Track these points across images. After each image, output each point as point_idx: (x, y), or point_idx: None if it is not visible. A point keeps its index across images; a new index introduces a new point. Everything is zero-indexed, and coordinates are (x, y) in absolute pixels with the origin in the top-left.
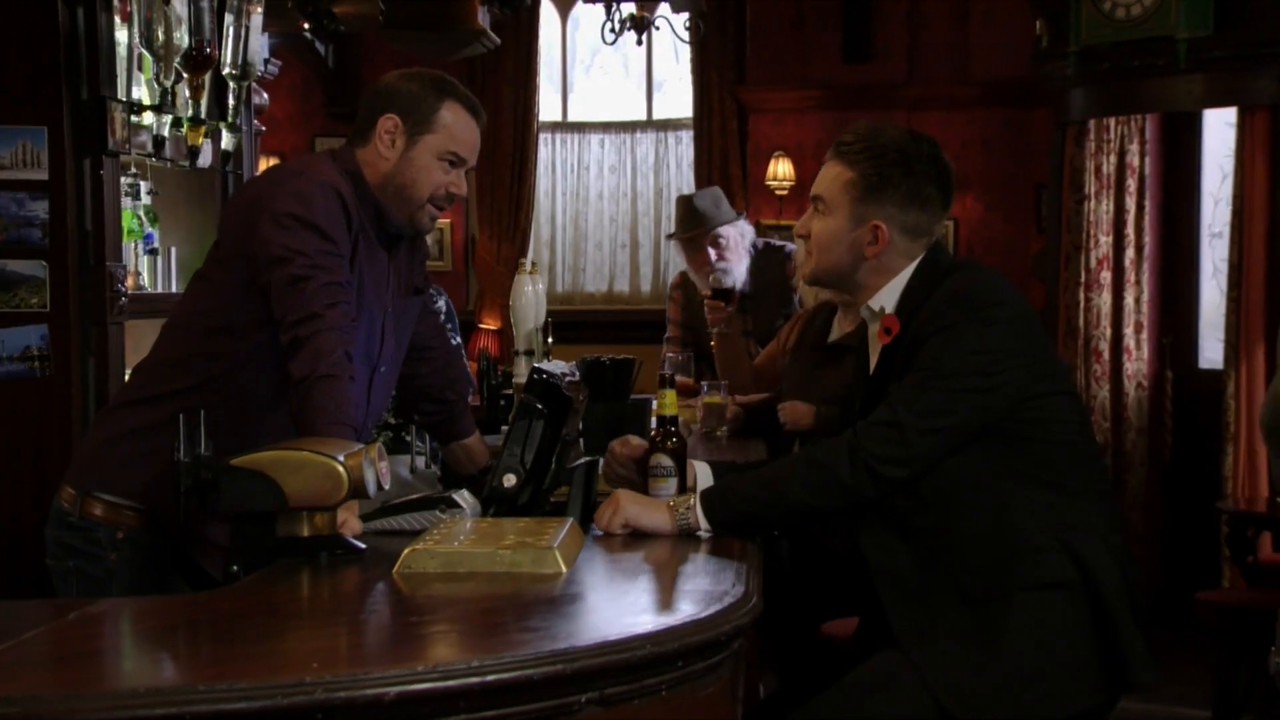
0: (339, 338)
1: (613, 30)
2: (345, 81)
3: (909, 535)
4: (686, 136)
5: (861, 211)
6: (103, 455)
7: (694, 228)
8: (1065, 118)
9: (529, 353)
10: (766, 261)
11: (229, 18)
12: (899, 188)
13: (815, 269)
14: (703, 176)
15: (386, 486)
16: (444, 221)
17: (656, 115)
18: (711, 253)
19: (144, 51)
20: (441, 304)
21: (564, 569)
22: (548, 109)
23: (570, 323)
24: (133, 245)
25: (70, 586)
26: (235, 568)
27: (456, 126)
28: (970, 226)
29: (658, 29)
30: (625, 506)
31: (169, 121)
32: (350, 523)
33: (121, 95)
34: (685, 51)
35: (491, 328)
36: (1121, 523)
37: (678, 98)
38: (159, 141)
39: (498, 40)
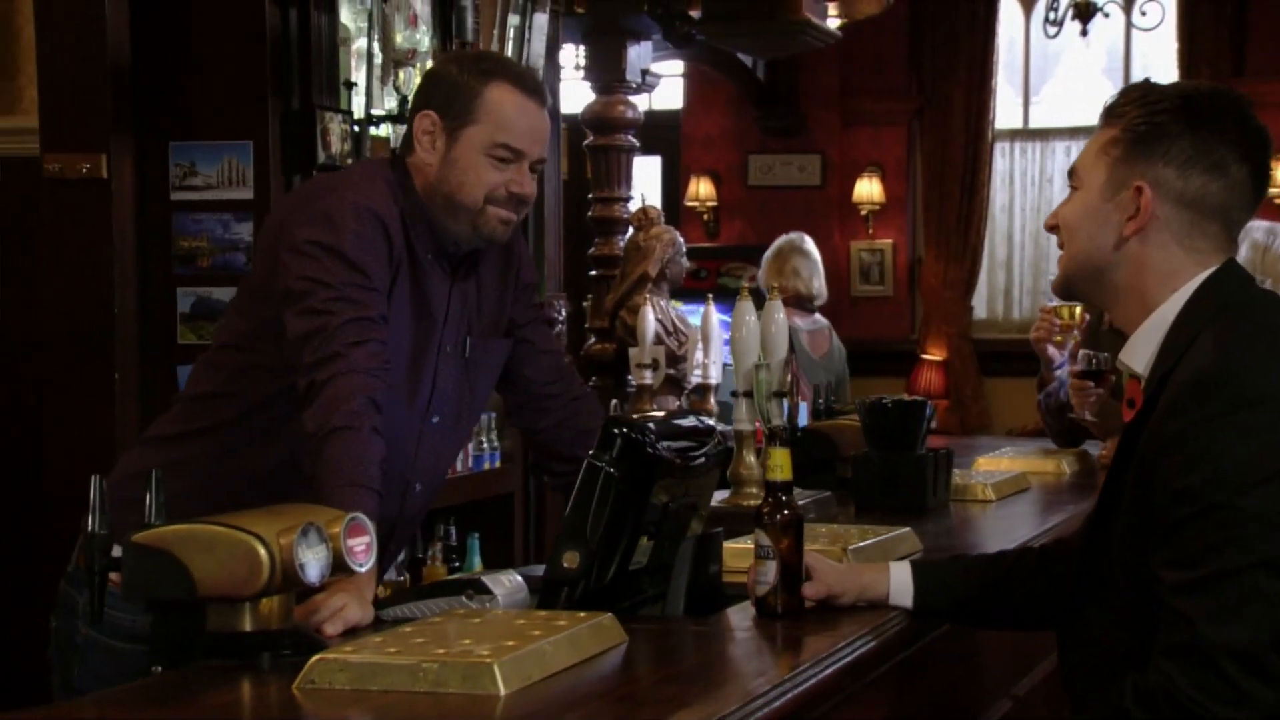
0: (362, 381)
1: (1051, 22)
2: (778, 94)
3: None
4: None
5: (1123, 173)
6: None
7: None
8: None
9: (748, 394)
10: None
11: (513, 18)
12: (1177, 139)
13: (1064, 267)
14: None
15: (361, 568)
16: (884, 241)
17: None
18: None
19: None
20: None
21: (502, 692)
22: (1006, 114)
23: (1027, 354)
24: None
25: (55, 650)
26: (156, 668)
27: (504, 111)
28: None
29: (1107, 16)
30: None
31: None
32: (349, 610)
33: (352, 106)
34: (1170, 42)
35: (936, 358)
36: None
37: None
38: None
39: (837, 33)
